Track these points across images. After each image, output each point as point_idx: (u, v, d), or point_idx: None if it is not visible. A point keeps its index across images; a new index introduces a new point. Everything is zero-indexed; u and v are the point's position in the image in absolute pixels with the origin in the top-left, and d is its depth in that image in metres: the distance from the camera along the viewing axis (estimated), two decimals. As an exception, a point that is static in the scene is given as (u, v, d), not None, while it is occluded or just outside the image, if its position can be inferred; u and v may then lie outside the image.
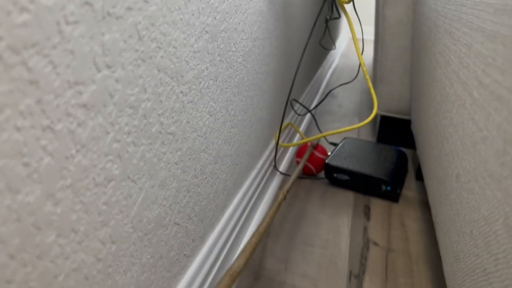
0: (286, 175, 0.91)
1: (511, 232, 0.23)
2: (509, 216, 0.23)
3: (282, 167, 0.93)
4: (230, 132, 0.54)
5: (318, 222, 0.78)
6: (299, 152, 0.93)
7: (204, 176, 0.47)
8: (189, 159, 0.42)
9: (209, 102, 0.44)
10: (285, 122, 0.94)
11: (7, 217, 0.20)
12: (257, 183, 0.72)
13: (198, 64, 0.40)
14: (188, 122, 0.40)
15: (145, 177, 0.33)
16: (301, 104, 0.88)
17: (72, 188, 0.24)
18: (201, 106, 0.42)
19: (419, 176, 0.96)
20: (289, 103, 0.96)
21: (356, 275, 0.65)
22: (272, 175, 0.84)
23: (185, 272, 0.46)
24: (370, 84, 0.74)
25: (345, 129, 0.80)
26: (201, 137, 0.44)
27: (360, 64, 0.78)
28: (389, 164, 0.90)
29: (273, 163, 0.84)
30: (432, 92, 0.58)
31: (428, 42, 0.65)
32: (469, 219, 0.32)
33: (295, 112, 0.95)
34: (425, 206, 0.86)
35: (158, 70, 0.32)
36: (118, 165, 0.29)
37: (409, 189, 0.92)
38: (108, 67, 0.26)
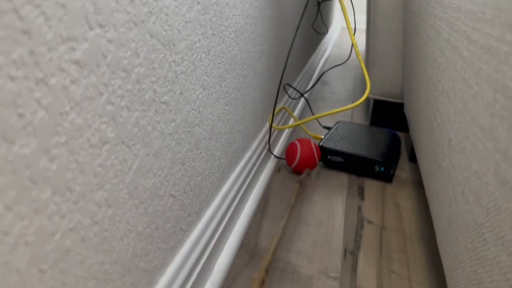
0: (280, 158, 0.91)
1: (501, 180, 0.23)
2: (499, 163, 0.23)
3: (276, 150, 0.93)
4: (224, 109, 0.54)
5: (312, 202, 0.78)
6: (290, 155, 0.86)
7: (199, 151, 0.47)
8: (183, 131, 0.42)
9: (202, 75, 0.44)
10: (279, 106, 0.94)
11: (3, 168, 0.20)
12: (252, 164, 0.72)
13: (190, 35, 0.40)
14: (182, 93, 0.40)
15: (139, 144, 0.33)
16: (294, 88, 0.88)
17: (67, 146, 0.24)
18: (194, 78, 0.42)
19: (412, 158, 0.97)
20: (282, 87, 0.96)
21: (351, 252, 0.65)
22: (266, 158, 0.84)
23: (182, 245, 0.46)
24: (363, 64, 0.74)
25: (337, 110, 0.80)
26: (195, 110, 0.44)
27: (352, 45, 0.78)
28: (382, 145, 0.90)
29: (267, 146, 0.84)
30: (423, 67, 0.59)
31: (419, 19, 0.65)
32: (460, 179, 0.33)
33: (289, 96, 0.95)
34: (418, 186, 0.87)
35: (151, 36, 0.32)
36: (113, 128, 0.29)
37: (402, 170, 0.93)
38: (101, 26, 0.26)
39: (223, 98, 0.53)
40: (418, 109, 0.66)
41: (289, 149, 0.86)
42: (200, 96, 0.45)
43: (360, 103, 0.77)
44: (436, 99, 0.46)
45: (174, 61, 0.37)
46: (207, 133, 0.49)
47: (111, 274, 0.32)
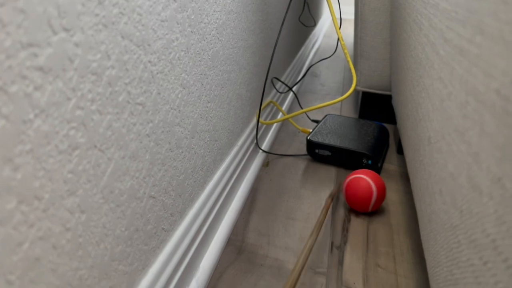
0: (268, 153, 0.91)
1: (472, 183, 0.23)
2: (472, 167, 0.23)
3: (265, 145, 0.93)
4: (207, 107, 0.54)
5: (300, 196, 0.78)
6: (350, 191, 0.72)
7: (180, 150, 0.47)
8: (162, 132, 0.41)
9: (181, 74, 0.44)
10: (267, 100, 0.93)
11: (-40, 180, 0.19)
12: (238, 160, 0.72)
13: (166, 34, 0.39)
14: (159, 93, 0.39)
15: (114, 147, 0.32)
16: (282, 82, 0.88)
17: (33, 154, 0.24)
18: (173, 77, 0.42)
19: (400, 150, 0.97)
20: (270, 81, 0.95)
21: (338, 246, 0.65)
22: (254, 153, 0.84)
23: (164, 246, 0.46)
24: (348, 58, 0.73)
25: (325, 104, 0.80)
26: (175, 110, 0.43)
27: (338, 39, 0.78)
28: (370, 138, 0.90)
29: (255, 141, 0.84)
30: (408, 61, 0.59)
31: (404, 12, 0.65)
32: (438, 178, 0.32)
33: (277, 90, 0.95)
34: (406, 178, 0.87)
35: (122, 37, 0.31)
36: (83, 133, 0.28)
37: (390, 163, 0.93)
38: (66, 30, 0.25)
39: (205, 96, 0.52)
40: (403, 103, 0.66)
41: (361, 190, 0.70)
42: (179, 95, 0.44)
43: (347, 97, 0.77)
44: (418, 94, 0.46)
45: (149, 61, 0.36)
46: (188, 132, 0.48)
47: (87, 279, 0.31)
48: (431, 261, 0.39)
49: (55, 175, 0.26)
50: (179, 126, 0.45)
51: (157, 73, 0.38)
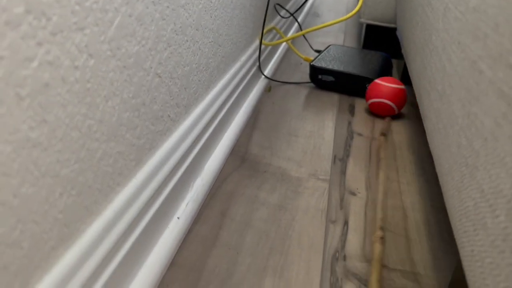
0: (270, 79, 0.90)
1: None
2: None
3: (266, 72, 0.91)
4: (211, 1, 0.52)
5: (302, 117, 0.78)
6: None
7: (185, 38, 0.45)
8: (168, 7, 0.40)
9: (186, -50, 0.42)
10: (270, 25, 0.91)
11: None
12: (242, 76, 0.71)
13: None
14: (165, -39, 0.37)
15: (120, -1, 0.31)
16: (284, 8, 0.85)
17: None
18: (178, -50, 0.40)
19: (403, 81, 0.96)
20: (273, 6, 0.93)
21: (341, 158, 0.66)
22: (256, 76, 0.83)
23: (170, 134, 0.45)
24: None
25: (327, 24, 0.78)
26: (180, -12, 0.42)
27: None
28: (374, 65, 0.89)
29: (258, 64, 0.83)
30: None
31: None
32: (439, 63, 0.32)
33: (282, 16, 0.92)
34: (409, 104, 0.86)
35: None
36: (89, -35, 0.27)
37: (394, 91, 0.92)
38: None
39: (210, -11, 0.51)
40: (409, 22, 0.64)
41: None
42: (185, -26, 0.42)
43: (353, 15, 0.75)
44: (423, 8, 0.44)
45: None
46: (193, 20, 0.47)
47: (96, 132, 0.31)
48: (431, 129, 0.38)
49: (62, -1, 0.25)
50: (184, 9, 0.44)
51: None
